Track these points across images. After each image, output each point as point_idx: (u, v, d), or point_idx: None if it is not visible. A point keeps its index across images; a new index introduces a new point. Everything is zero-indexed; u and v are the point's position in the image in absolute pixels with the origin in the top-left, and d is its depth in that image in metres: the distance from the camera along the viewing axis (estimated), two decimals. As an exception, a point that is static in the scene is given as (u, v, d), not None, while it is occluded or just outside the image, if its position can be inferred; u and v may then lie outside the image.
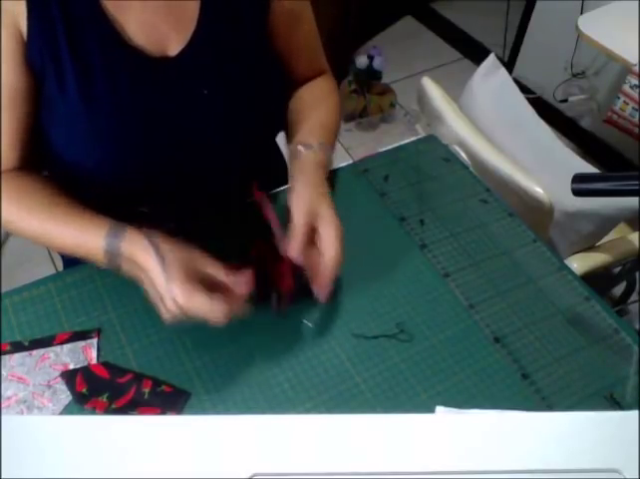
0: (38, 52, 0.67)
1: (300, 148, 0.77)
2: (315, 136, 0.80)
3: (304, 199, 0.70)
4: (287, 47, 0.84)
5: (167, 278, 0.61)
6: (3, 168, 0.72)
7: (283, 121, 0.88)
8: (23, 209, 0.70)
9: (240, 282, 0.65)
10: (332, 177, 0.91)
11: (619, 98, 1.54)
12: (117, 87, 0.71)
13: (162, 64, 0.72)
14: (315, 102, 0.88)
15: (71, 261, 0.88)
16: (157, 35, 0.72)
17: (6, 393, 0.65)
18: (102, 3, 0.67)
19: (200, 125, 0.77)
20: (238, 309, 0.63)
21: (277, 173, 1.00)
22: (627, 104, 1.53)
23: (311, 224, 0.68)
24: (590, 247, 1.18)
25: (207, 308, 0.61)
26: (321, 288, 0.68)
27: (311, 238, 0.69)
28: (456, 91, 1.24)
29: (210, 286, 0.63)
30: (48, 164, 0.80)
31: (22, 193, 0.71)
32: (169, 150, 0.77)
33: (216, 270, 0.64)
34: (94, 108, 0.70)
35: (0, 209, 0.70)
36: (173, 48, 0.73)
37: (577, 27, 1.56)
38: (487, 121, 1.17)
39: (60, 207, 0.71)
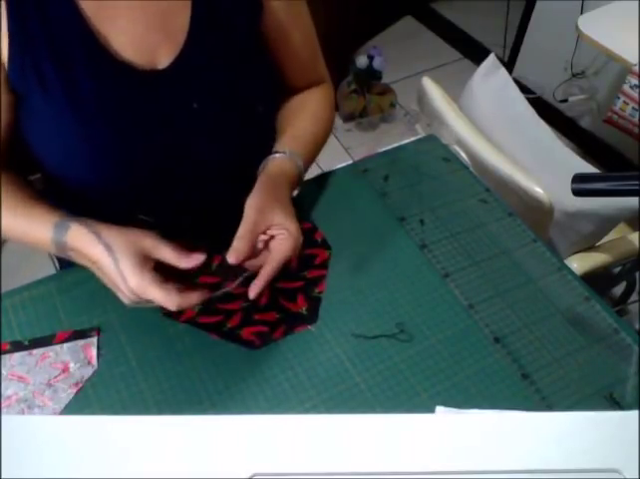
0: (20, 72, 0.66)
1: (270, 156, 0.77)
2: (288, 145, 0.79)
3: (256, 206, 0.68)
4: (280, 55, 0.83)
5: (118, 269, 0.61)
6: None
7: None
8: None
9: (191, 262, 0.63)
10: (328, 179, 0.91)
11: (619, 98, 1.54)
12: (105, 103, 0.70)
13: (151, 77, 0.71)
14: (298, 112, 0.86)
15: (67, 263, 0.88)
16: (145, 48, 0.70)
17: (6, 392, 0.65)
18: (87, 19, 0.66)
19: (191, 138, 0.76)
20: (194, 297, 0.62)
21: None
22: (627, 104, 1.53)
23: (261, 230, 0.67)
24: (590, 247, 1.18)
25: (161, 298, 0.60)
26: (254, 286, 0.66)
27: (266, 243, 0.68)
28: (456, 91, 1.24)
29: (164, 269, 0.62)
30: (39, 171, 0.80)
31: None
32: (161, 163, 0.77)
33: (166, 254, 0.63)
34: (83, 125, 0.69)
35: None
36: (163, 61, 0.71)
37: (577, 27, 1.56)
38: (487, 121, 1.17)
39: (11, 198, 0.70)
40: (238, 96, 0.78)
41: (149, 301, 0.62)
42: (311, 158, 0.83)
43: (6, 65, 0.66)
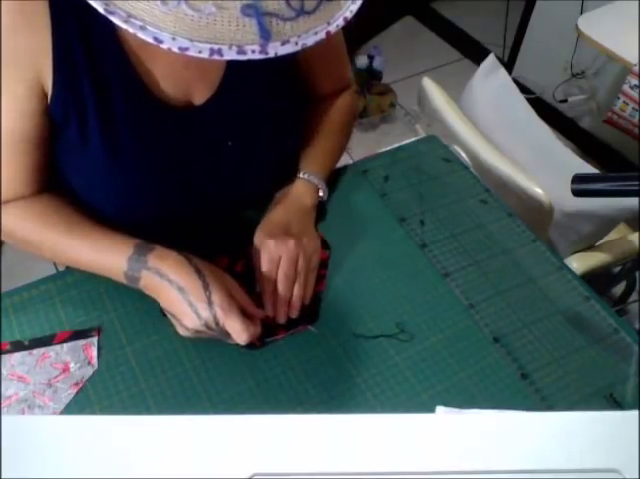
0: (62, 104, 0.65)
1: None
2: (309, 165, 0.82)
3: (267, 248, 0.72)
4: (312, 68, 0.83)
5: (206, 294, 0.62)
6: (25, 193, 0.72)
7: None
8: (46, 226, 0.70)
9: (259, 314, 0.68)
10: (335, 180, 0.91)
11: (619, 98, 1.54)
12: (141, 139, 0.70)
13: (187, 114, 0.71)
14: (320, 129, 0.87)
15: None
16: (183, 84, 0.70)
17: (7, 393, 0.65)
18: (128, 54, 0.66)
19: (225, 175, 0.77)
20: (258, 332, 0.66)
21: None
22: (627, 104, 1.53)
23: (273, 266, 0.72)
24: (590, 247, 1.18)
25: (239, 328, 0.62)
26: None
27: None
28: (456, 91, 1.24)
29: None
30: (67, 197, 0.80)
31: (45, 212, 0.71)
32: (193, 198, 0.77)
33: (243, 296, 0.67)
34: (117, 159, 0.69)
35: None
36: (200, 97, 0.71)
37: (577, 27, 1.56)
38: (487, 121, 1.17)
39: (83, 222, 0.71)
40: (272, 132, 0.78)
41: (213, 332, 0.64)
42: (331, 169, 0.87)
43: (48, 96, 0.65)
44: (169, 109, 0.70)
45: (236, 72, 0.72)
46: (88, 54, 0.64)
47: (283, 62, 0.76)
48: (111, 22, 0.63)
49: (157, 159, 0.72)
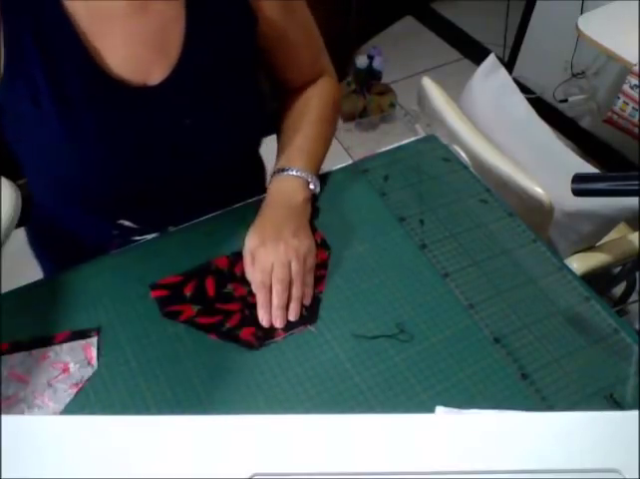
0: (11, 91, 0.65)
1: (276, 174, 0.80)
2: (294, 157, 0.82)
3: (258, 257, 0.73)
4: (280, 57, 0.83)
5: None
6: None
7: (268, 131, 0.87)
8: None
9: None
10: (327, 179, 0.91)
11: (619, 98, 1.54)
12: (97, 118, 0.69)
13: (143, 94, 0.71)
14: (302, 117, 0.86)
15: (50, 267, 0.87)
16: (138, 64, 0.70)
17: (6, 393, 0.65)
18: (81, 35, 0.65)
19: (182, 154, 0.76)
20: None
21: (262, 182, 1.00)
22: (627, 104, 1.53)
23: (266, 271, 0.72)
24: (590, 247, 1.18)
25: None
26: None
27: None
28: (456, 91, 1.24)
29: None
30: (28, 178, 0.79)
31: None
32: (151, 177, 0.77)
33: None
34: (75, 140, 0.69)
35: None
36: (156, 77, 0.71)
37: (577, 27, 1.56)
38: (487, 121, 1.17)
39: None
40: (230, 112, 0.78)
41: None
42: (320, 160, 0.86)
43: None
44: (126, 88, 0.70)
45: (193, 51, 0.71)
46: (38, 35, 0.63)
47: (245, 41, 0.76)
48: (62, 4, 0.62)
49: (115, 138, 0.71)
